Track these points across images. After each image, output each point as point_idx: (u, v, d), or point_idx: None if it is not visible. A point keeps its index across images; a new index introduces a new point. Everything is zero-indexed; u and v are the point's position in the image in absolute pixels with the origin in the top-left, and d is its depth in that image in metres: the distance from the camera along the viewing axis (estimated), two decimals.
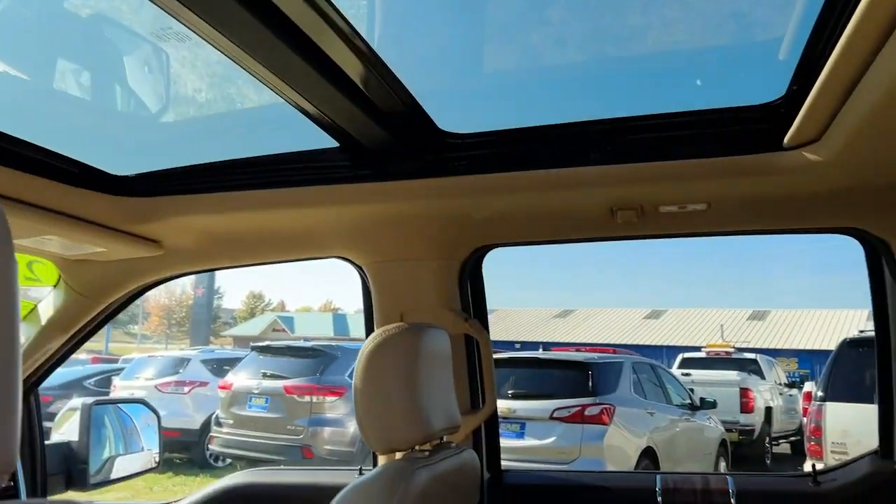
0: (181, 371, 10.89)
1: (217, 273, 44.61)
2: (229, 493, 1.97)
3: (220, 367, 10.95)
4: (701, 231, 1.69)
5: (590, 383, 7.50)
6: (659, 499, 1.74)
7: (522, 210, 1.61)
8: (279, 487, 1.87)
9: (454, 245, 1.76)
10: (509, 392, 7.50)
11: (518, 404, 7.33)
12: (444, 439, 1.54)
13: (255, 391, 8.98)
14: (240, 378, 9.34)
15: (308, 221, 1.67)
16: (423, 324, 1.41)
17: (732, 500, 1.70)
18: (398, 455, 1.34)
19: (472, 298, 1.87)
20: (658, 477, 1.79)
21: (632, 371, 8.20)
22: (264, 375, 9.06)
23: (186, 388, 10.51)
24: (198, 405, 10.31)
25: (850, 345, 6.48)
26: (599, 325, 32.73)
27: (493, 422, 1.88)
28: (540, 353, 8.57)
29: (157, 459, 2.36)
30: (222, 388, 9.46)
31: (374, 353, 1.31)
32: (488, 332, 1.86)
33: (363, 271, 1.83)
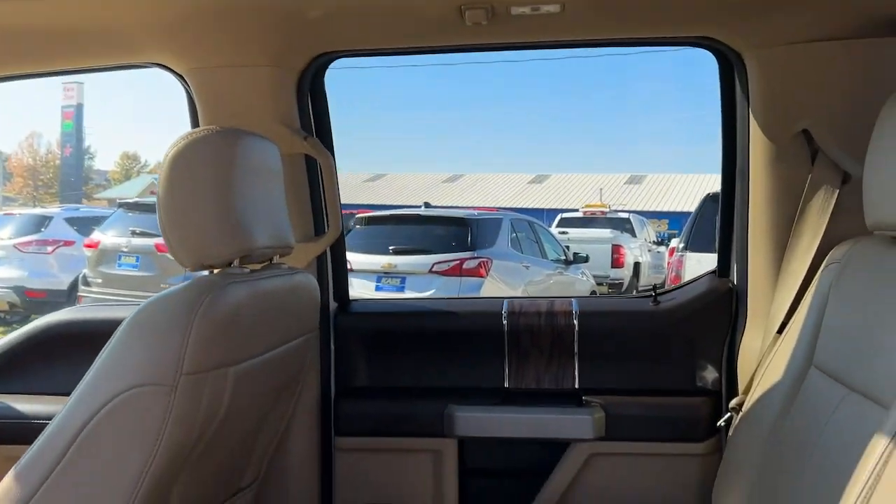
0: (43, 230, 10.20)
1: (85, 131, 41.54)
2: (49, 332, 1.80)
3: (87, 225, 10.31)
4: (554, 38, 1.58)
5: (469, 239, 7.62)
6: (504, 321, 1.73)
7: (361, 8, 1.44)
8: (99, 323, 1.72)
9: (289, 51, 1.57)
10: (390, 248, 7.52)
11: (399, 259, 7.39)
12: (276, 261, 1.43)
13: (125, 249, 8.58)
14: (108, 236, 8.87)
15: (109, 15, 1.43)
16: (243, 130, 1.25)
17: (575, 321, 1.71)
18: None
19: (314, 118, 1.70)
20: (505, 301, 1.77)
21: (510, 227, 8.38)
22: (133, 233, 8.64)
23: (50, 248, 9.89)
24: (63, 265, 9.76)
25: (712, 199, 6.80)
26: (486, 189, 33.37)
27: (339, 250, 1.79)
28: (421, 210, 8.57)
29: None
30: (88, 246, 8.97)
31: (178, 157, 1.14)
32: (334, 156, 1.72)
33: (185, 81, 1.61)
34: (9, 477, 1.08)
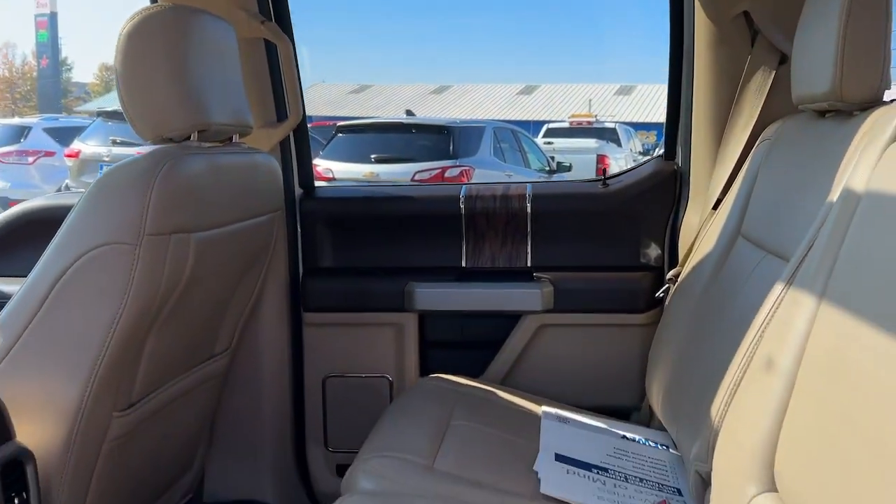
0: (22, 140, 10.09)
1: (62, 43, 40.26)
2: (25, 217, 1.88)
3: (67, 136, 10.20)
4: None
5: (451, 147, 7.63)
6: (462, 205, 1.81)
7: None
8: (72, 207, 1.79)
9: None
10: (372, 156, 7.52)
11: (380, 168, 7.40)
12: (236, 141, 1.49)
13: (106, 158, 8.54)
14: (88, 146, 8.81)
15: None
16: (197, 8, 1.29)
17: (528, 204, 1.80)
18: None
19: (272, 2, 1.73)
20: (463, 187, 1.85)
21: (493, 136, 8.36)
22: (114, 142, 8.59)
23: (30, 158, 9.83)
24: (45, 176, 9.73)
25: None
26: (475, 100, 32.92)
27: (302, 136, 1.84)
28: (403, 118, 8.54)
29: None
30: (69, 156, 8.92)
31: (133, 32, 1.19)
32: (293, 41, 1.76)
33: None
34: None
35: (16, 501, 1.04)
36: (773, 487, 0.85)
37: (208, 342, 1.53)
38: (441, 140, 7.68)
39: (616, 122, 15.94)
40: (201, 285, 1.33)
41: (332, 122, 9.24)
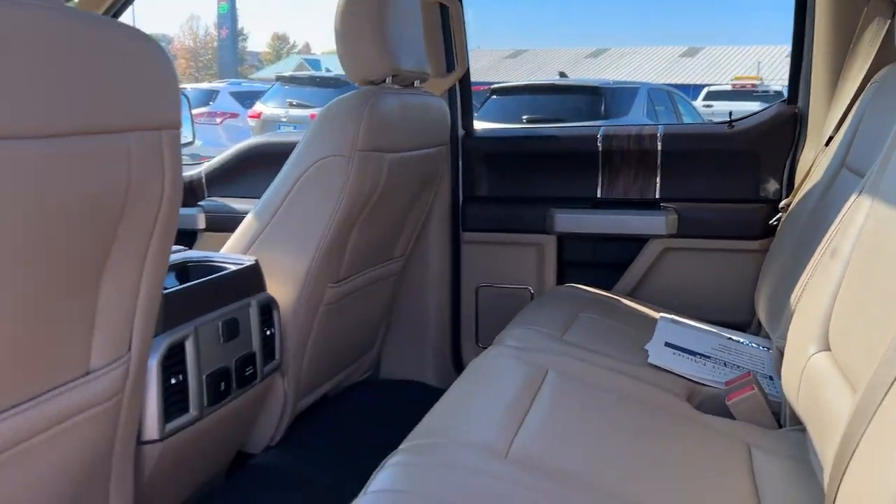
0: (211, 103, 11.29)
1: (238, 12, 43.21)
2: (251, 151, 2.39)
3: (248, 99, 11.30)
4: None
5: (602, 108, 7.72)
6: (599, 143, 2.11)
7: None
8: (288, 144, 2.26)
9: None
10: (523, 117, 7.76)
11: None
12: (417, 86, 1.88)
13: (284, 119, 9.43)
14: (268, 108, 9.75)
15: None
16: None
17: (659, 143, 2.06)
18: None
19: None
20: (601, 128, 2.14)
21: (647, 98, 8.34)
22: (290, 104, 9.45)
23: (218, 119, 10.99)
24: (231, 135, 10.81)
25: None
26: (633, 64, 32.00)
27: (466, 85, 2.21)
28: (556, 80, 8.72)
29: (192, 137, 2.83)
30: (252, 116, 9.92)
31: (349, 1, 1.60)
32: (461, 3, 2.12)
33: None
34: (246, 220, 1.65)
35: (268, 332, 1.50)
36: (827, 347, 1.11)
37: (390, 245, 1.95)
38: (593, 101, 7.78)
39: (784, 86, 15.14)
40: (389, 198, 1.73)
41: (485, 87, 9.59)
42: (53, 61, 0.76)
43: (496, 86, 8.54)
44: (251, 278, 1.48)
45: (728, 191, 2.04)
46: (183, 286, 1.29)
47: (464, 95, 2.22)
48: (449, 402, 1.23)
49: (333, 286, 1.67)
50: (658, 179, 2.08)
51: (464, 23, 2.12)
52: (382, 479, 0.96)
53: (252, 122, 9.94)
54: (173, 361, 1.21)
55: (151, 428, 1.17)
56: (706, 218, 2.03)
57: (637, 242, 2.09)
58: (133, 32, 0.88)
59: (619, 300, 1.95)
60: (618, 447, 1.15)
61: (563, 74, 9.43)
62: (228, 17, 40.92)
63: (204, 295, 1.33)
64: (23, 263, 0.79)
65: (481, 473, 0.99)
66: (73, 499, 1.01)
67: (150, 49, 0.89)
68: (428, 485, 0.95)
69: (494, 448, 1.05)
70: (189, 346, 1.24)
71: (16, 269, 0.78)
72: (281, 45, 53.63)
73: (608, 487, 1.01)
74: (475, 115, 7.79)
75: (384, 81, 1.68)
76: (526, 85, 8.54)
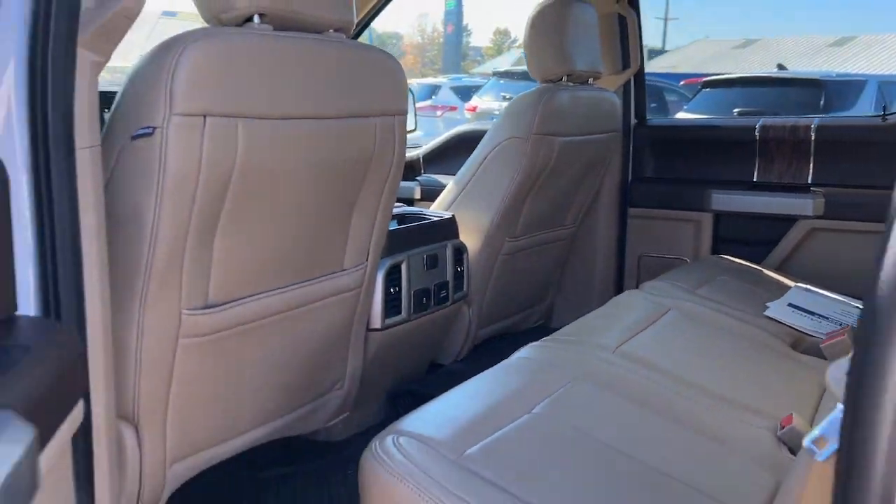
0: (433, 97, 12.27)
1: (464, 8, 45.07)
2: (461, 135, 2.94)
3: (467, 93, 12.12)
4: None
5: (821, 101, 7.41)
6: (756, 133, 2.37)
7: None
8: None
9: None
10: (735, 110, 7.67)
11: None
12: (591, 82, 2.29)
13: (497, 112, 10.08)
14: (483, 101, 10.47)
15: None
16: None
17: (812, 133, 2.29)
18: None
19: None
20: (760, 119, 2.40)
21: (876, 92, 7.82)
22: (504, 98, 10.08)
23: (438, 112, 11.92)
24: (449, 127, 11.59)
25: None
26: (885, 53, 28.91)
27: (640, 80, 2.57)
28: (773, 72, 8.46)
29: (414, 126, 3.44)
30: (469, 109, 10.70)
31: (537, 14, 2.06)
32: (639, 15, 2.49)
33: None
34: (448, 186, 2.17)
35: (458, 269, 2.01)
36: None
37: (561, 214, 2.38)
38: (811, 94, 7.47)
39: None
40: (558, 173, 2.16)
41: (699, 80, 9.49)
42: (332, 73, 1.30)
43: (708, 79, 8.45)
44: (449, 228, 1.99)
45: (877, 178, 2.22)
46: (401, 227, 1.84)
47: (637, 89, 2.58)
48: (586, 319, 1.65)
49: (511, 240, 2.15)
50: (811, 167, 2.30)
51: (639, 28, 2.49)
52: (525, 350, 1.42)
53: (468, 115, 10.71)
54: (393, 277, 1.75)
55: (376, 319, 1.72)
56: (852, 202, 2.22)
57: (786, 222, 2.33)
58: (377, 51, 1.41)
59: (762, 270, 2.22)
60: (709, 359, 1.51)
61: (781, 66, 9.09)
62: (454, 13, 42.82)
63: (415, 235, 1.86)
64: (313, 196, 1.34)
65: (594, 357, 1.41)
66: (324, 354, 1.58)
67: (388, 61, 1.42)
68: (558, 358, 1.39)
69: (606, 346, 1.47)
70: (403, 268, 1.78)
71: (308, 200, 1.34)
72: (502, 40, 55.13)
73: (689, 379, 1.39)
74: (685, 107, 7.90)
75: (560, 80, 2.12)
76: (739, 77, 8.37)
